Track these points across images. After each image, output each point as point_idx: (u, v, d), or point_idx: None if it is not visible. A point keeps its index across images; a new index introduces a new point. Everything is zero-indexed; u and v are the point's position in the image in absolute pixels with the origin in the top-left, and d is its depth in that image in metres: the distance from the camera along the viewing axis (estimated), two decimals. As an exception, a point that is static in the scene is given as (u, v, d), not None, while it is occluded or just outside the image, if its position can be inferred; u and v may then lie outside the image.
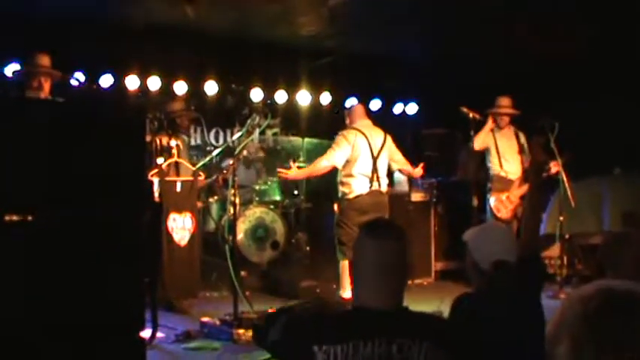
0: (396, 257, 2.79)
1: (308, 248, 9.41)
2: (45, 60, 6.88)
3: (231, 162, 6.89)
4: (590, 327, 1.84)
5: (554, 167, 8.37)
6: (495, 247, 3.64)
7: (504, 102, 8.77)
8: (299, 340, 2.73)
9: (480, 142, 8.59)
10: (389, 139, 7.99)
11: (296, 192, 9.74)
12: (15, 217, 4.30)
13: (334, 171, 7.94)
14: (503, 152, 8.68)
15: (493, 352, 3.20)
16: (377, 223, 3.18)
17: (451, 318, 3.43)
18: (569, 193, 8.25)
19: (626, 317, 1.82)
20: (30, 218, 4.30)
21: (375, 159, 7.77)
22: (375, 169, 7.76)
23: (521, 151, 8.78)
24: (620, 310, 1.85)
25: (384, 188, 7.91)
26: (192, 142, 10.06)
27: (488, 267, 3.55)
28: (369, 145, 7.74)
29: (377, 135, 7.88)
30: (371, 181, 7.72)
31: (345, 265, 7.64)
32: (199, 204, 8.03)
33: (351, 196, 7.69)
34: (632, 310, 1.84)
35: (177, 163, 7.30)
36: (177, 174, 7.26)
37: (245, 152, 7.56)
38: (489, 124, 8.68)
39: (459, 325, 3.32)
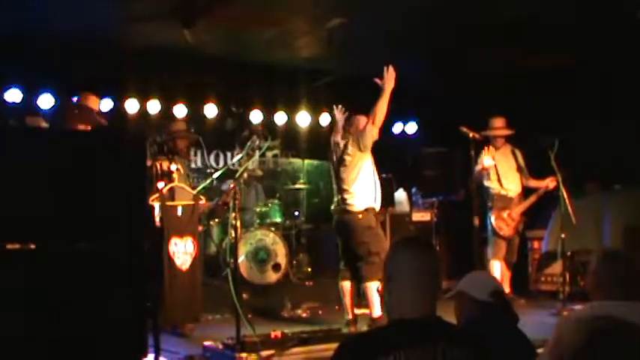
0: (432, 267, 2.95)
1: (309, 269, 9.40)
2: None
3: (231, 185, 6.87)
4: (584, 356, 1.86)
5: (552, 182, 8.42)
6: (492, 280, 3.83)
7: (498, 123, 8.81)
8: (352, 359, 2.81)
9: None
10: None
11: (297, 213, 9.75)
12: (17, 246, 4.31)
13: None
14: (502, 171, 8.71)
15: None
16: (410, 238, 3.53)
17: None
18: (570, 210, 8.25)
19: (617, 348, 1.84)
20: (32, 247, 4.31)
21: (335, 171, 7.52)
22: (337, 182, 7.53)
23: (519, 168, 8.82)
24: (612, 342, 1.86)
25: (349, 206, 7.36)
26: (193, 165, 10.08)
27: (486, 297, 3.59)
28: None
29: None
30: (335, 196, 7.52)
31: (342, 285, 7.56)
32: (200, 227, 8.02)
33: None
34: (623, 340, 1.86)
35: (174, 188, 7.29)
36: (173, 198, 7.25)
37: (245, 174, 7.55)
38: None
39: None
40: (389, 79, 7.12)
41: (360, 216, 7.31)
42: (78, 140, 4.78)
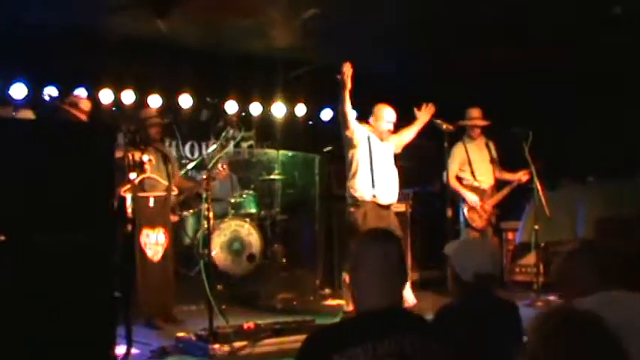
0: (397, 259, 2.92)
1: (284, 260, 9.38)
2: None
3: (204, 176, 6.85)
4: (546, 347, 1.86)
5: (525, 176, 8.47)
6: (477, 260, 3.75)
7: (475, 113, 8.84)
8: (318, 351, 2.78)
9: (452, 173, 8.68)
10: None
11: (271, 204, 9.72)
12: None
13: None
14: (476, 163, 8.73)
15: None
16: (374, 230, 3.65)
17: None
18: (543, 202, 8.31)
19: (580, 338, 1.84)
20: (2, 238, 4.28)
21: None
22: None
23: (492, 160, 8.84)
24: (575, 332, 1.86)
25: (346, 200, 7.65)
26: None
27: (470, 279, 3.60)
28: None
29: None
30: None
31: None
32: (174, 218, 7.99)
33: None
34: (586, 331, 1.86)
35: (144, 179, 7.26)
36: (143, 189, 7.22)
37: (220, 166, 7.51)
38: None
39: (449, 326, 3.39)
40: (344, 77, 7.08)
41: (352, 209, 7.43)
42: (47, 132, 4.75)
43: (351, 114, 7.35)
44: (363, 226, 7.21)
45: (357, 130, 7.45)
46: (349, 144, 7.51)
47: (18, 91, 8.92)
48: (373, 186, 7.39)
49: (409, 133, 7.99)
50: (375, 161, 7.47)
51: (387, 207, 7.56)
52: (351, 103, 7.26)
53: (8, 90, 8.89)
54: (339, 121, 7.55)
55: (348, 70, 7.05)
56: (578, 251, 3.46)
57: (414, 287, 9.19)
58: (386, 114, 7.67)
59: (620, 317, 2.32)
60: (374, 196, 7.39)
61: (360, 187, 7.41)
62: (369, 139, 7.50)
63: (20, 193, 4.36)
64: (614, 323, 1.98)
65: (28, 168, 4.40)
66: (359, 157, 7.46)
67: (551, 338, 1.90)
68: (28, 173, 4.40)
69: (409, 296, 7.50)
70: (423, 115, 7.88)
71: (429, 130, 8.08)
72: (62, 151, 4.54)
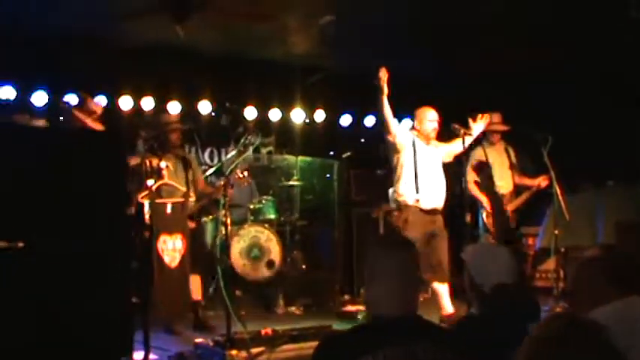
0: (410, 265, 2.94)
1: (303, 266, 9.38)
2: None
3: (222, 182, 6.87)
4: (545, 349, 1.85)
5: (545, 181, 8.41)
6: (495, 269, 3.65)
7: (495, 118, 8.79)
8: (330, 359, 2.81)
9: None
10: None
11: (291, 210, 9.72)
12: (4, 244, 4.31)
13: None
14: (495, 168, 8.69)
15: None
16: (388, 236, 3.42)
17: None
18: (563, 206, 8.24)
19: (580, 345, 1.83)
20: (20, 245, 4.31)
21: None
22: None
23: (511, 166, 8.80)
24: (576, 337, 1.85)
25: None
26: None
27: (489, 290, 3.55)
28: None
29: None
30: None
31: None
32: (192, 224, 8.01)
33: None
34: (587, 338, 1.85)
35: (161, 186, 7.28)
36: (161, 196, 7.24)
37: (239, 173, 7.50)
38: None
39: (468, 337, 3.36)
40: (381, 83, 7.14)
41: (395, 213, 7.52)
42: (56, 140, 4.79)
43: (391, 118, 7.40)
44: (404, 231, 7.24)
45: (399, 135, 7.50)
46: (393, 149, 7.55)
47: (39, 98, 9.01)
48: (417, 191, 7.41)
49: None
50: (420, 166, 7.48)
51: (433, 212, 7.53)
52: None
53: (30, 98, 8.98)
54: (381, 128, 7.59)
55: (384, 75, 7.11)
56: (592, 260, 3.42)
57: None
58: (428, 114, 7.70)
59: (627, 322, 2.31)
60: (417, 201, 7.41)
61: (404, 191, 7.46)
62: (414, 143, 7.53)
63: (32, 200, 4.40)
64: (619, 330, 1.97)
65: (39, 176, 4.43)
66: (403, 161, 7.50)
67: (551, 340, 1.90)
68: (38, 181, 4.44)
69: (448, 305, 7.50)
70: (478, 126, 7.85)
71: (446, 135, 8.05)
72: (72, 159, 4.58)
